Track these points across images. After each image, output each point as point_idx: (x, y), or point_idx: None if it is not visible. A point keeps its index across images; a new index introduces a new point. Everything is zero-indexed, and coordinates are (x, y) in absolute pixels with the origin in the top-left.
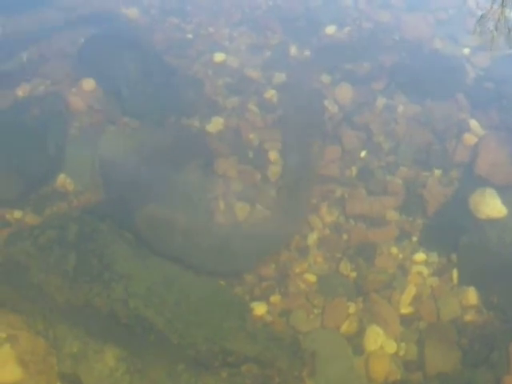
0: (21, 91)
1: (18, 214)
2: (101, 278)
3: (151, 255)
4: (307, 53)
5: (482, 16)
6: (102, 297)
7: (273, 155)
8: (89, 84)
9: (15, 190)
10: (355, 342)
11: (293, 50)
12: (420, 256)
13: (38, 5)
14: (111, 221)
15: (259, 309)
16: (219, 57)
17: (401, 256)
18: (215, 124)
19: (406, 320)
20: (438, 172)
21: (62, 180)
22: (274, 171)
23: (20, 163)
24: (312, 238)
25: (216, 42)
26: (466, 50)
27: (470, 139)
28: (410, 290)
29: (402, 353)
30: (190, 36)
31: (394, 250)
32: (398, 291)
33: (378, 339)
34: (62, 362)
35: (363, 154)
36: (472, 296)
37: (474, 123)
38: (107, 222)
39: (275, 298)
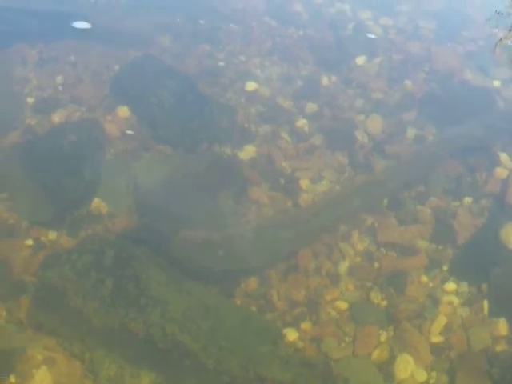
0: (57, 117)
1: (52, 235)
2: (137, 302)
3: (185, 280)
4: (338, 83)
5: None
6: (138, 321)
7: (304, 183)
8: (123, 111)
9: (51, 213)
10: (386, 369)
11: (324, 80)
12: (450, 286)
13: (75, 32)
14: (146, 246)
15: (291, 335)
16: (251, 86)
17: (431, 285)
18: (247, 151)
19: (436, 349)
20: (467, 202)
21: (97, 204)
22: (305, 199)
23: (56, 187)
24: (343, 265)
25: (248, 71)
26: (496, 83)
27: (501, 173)
28: (441, 320)
29: (432, 381)
30: (221, 64)
31: (425, 279)
32: (429, 320)
33: (408, 367)
34: None
35: None
36: (503, 327)
37: (504, 157)
38: (142, 248)
39: (306, 325)
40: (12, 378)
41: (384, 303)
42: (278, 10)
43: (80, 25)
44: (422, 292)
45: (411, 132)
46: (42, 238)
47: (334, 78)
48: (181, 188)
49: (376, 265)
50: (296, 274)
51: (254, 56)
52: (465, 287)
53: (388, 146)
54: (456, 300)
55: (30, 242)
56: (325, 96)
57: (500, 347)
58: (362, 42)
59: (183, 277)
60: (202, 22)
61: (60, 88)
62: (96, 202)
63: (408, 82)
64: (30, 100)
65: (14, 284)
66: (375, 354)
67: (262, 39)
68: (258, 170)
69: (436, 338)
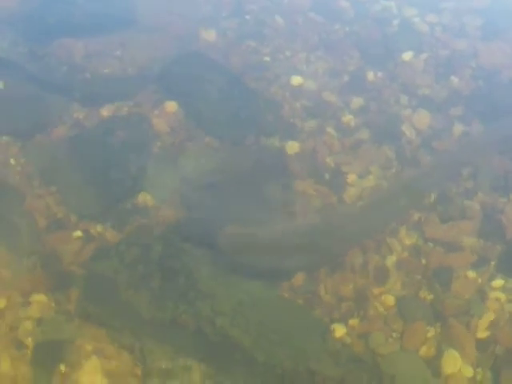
0: (105, 111)
1: (100, 228)
2: (186, 296)
3: (233, 274)
4: (384, 78)
5: None
6: (188, 314)
7: (350, 178)
8: (171, 106)
9: (98, 206)
10: (433, 365)
11: (370, 75)
12: (498, 282)
13: (121, 26)
14: (193, 240)
15: (339, 330)
16: (296, 80)
17: (479, 281)
18: (293, 146)
19: (482, 345)
20: None
21: (143, 197)
22: (351, 193)
23: (104, 180)
24: (391, 260)
25: (293, 66)
26: None
27: None
28: (488, 316)
29: (479, 377)
30: (267, 59)
31: (472, 274)
32: (475, 316)
33: (455, 363)
34: (148, 377)
35: None
36: None
37: None
38: (190, 241)
39: (354, 321)
40: (62, 367)
41: (431, 299)
42: (323, 6)
43: None
44: (469, 288)
45: (458, 128)
46: (91, 231)
47: (379, 74)
48: (228, 181)
49: (423, 260)
50: (343, 269)
51: (300, 51)
52: None
53: (435, 142)
54: (503, 296)
55: (78, 234)
56: (371, 91)
57: None
58: (408, 39)
59: (231, 271)
60: (247, 17)
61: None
62: (142, 195)
63: (454, 79)
64: (78, 94)
65: (63, 275)
66: (422, 350)
67: (307, 35)
68: (303, 164)
69: (482, 334)
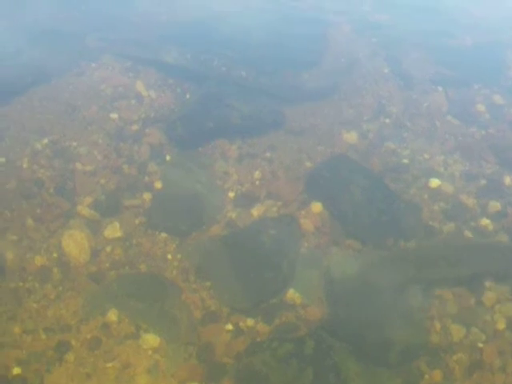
0: (256, 211)
1: (250, 322)
2: None
3: (379, 371)
4: None
5: None
6: None
7: (488, 282)
8: (317, 207)
9: (249, 301)
10: None
11: (507, 179)
12: None
13: (271, 128)
14: (343, 338)
15: None
16: (434, 182)
17: None
18: None
19: None
20: None
21: (291, 294)
22: (489, 297)
23: (254, 276)
24: None
25: (431, 168)
26: None
27: None
28: None
29: None
30: (405, 161)
31: None
32: None
33: None
34: None
35: None
36: None
37: None
38: (340, 339)
39: None
40: None
41: None
42: (460, 110)
43: None
44: None
45: None
46: (241, 324)
47: None
48: (370, 281)
49: None
50: (481, 371)
51: (437, 154)
52: None
53: None
54: None
55: (229, 327)
56: (508, 196)
57: None
58: None
59: (376, 368)
60: (387, 120)
61: (257, 183)
62: (291, 292)
63: None
64: (231, 194)
65: (216, 366)
66: None
67: (444, 137)
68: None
69: None
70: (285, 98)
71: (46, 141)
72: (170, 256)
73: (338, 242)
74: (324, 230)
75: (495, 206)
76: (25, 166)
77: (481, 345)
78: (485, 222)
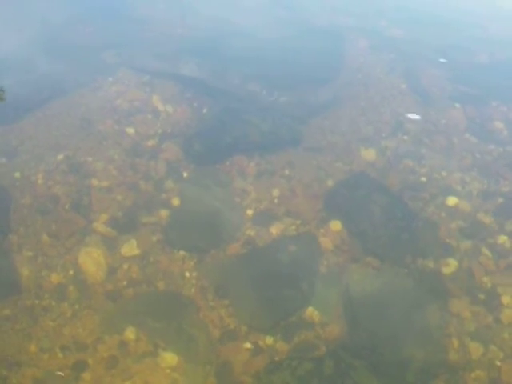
0: (274, 229)
1: (269, 340)
2: None
3: None
4: None
5: None
6: None
7: (506, 299)
8: (336, 225)
9: (268, 319)
10: None
11: None
12: None
13: (289, 144)
14: (362, 356)
15: None
16: (452, 200)
17: None
18: (449, 265)
19: None
20: None
21: (310, 312)
22: (507, 314)
23: (274, 294)
24: None
25: (449, 186)
26: None
27: None
28: None
29: None
30: (423, 179)
31: None
32: None
33: None
34: None
35: None
36: None
37: None
38: (359, 357)
39: None
40: None
41: None
42: (478, 127)
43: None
44: None
45: None
46: (260, 342)
47: None
48: (387, 300)
49: None
50: None
51: (455, 171)
52: None
53: None
54: None
55: (248, 345)
56: None
57: None
58: None
59: None
60: (405, 137)
61: (276, 201)
62: (309, 310)
63: None
64: (250, 212)
65: None
66: None
67: (462, 155)
68: (458, 283)
69: None
70: (302, 115)
71: (61, 156)
72: (187, 274)
73: (357, 260)
74: (343, 248)
75: None
76: (40, 181)
77: (499, 363)
78: (502, 239)
